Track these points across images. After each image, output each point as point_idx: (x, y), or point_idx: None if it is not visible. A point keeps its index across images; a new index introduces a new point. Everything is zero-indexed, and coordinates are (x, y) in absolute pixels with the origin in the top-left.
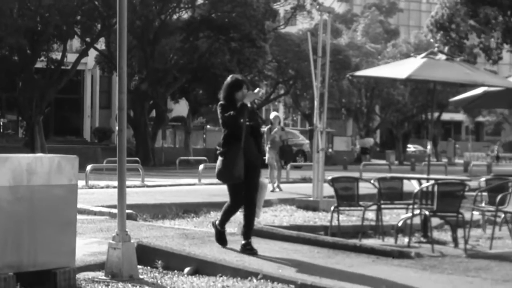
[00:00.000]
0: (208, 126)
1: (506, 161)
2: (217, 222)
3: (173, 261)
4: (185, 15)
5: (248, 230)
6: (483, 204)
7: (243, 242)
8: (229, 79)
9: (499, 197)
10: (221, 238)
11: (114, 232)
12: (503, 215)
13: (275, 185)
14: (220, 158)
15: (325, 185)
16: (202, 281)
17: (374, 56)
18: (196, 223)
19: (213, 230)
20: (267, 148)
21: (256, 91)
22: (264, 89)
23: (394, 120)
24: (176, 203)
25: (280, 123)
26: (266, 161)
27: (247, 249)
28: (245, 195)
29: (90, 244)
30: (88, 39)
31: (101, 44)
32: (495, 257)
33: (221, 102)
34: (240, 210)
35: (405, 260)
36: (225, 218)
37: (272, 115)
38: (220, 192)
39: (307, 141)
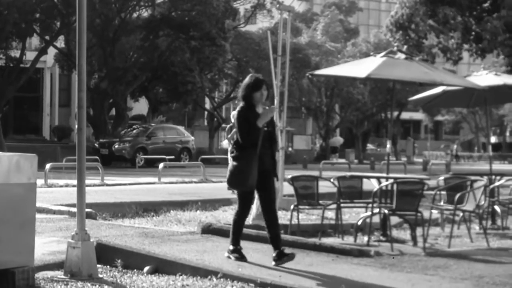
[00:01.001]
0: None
1: (465, 160)
2: (230, 247)
3: (133, 260)
4: (145, 13)
5: (276, 239)
6: (441, 203)
7: (275, 253)
8: (248, 78)
9: (457, 196)
10: (240, 255)
11: (74, 231)
12: (461, 214)
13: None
14: (233, 163)
15: (285, 184)
16: (162, 280)
17: (334, 55)
18: (156, 222)
19: (173, 229)
20: (229, 148)
21: (271, 107)
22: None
23: (353, 119)
24: (136, 202)
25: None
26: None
27: (284, 255)
28: (263, 207)
29: (49, 243)
30: (47, 37)
31: (60, 42)
32: (454, 256)
33: (239, 107)
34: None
35: (364, 258)
36: (236, 232)
37: (233, 113)
38: (179, 191)
39: (192, 138)
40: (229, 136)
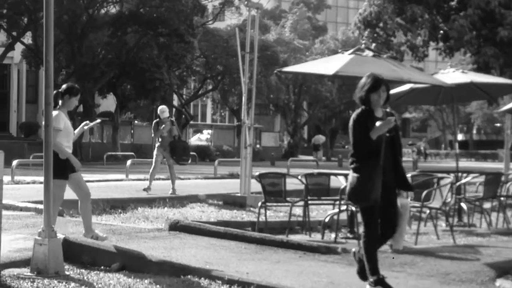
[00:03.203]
0: (135, 122)
1: (432, 158)
2: (370, 278)
3: (100, 257)
4: (113, 9)
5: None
6: (408, 200)
7: (371, 280)
8: (364, 78)
9: (424, 193)
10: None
11: (40, 228)
12: (428, 211)
13: (151, 185)
14: (353, 175)
15: (252, 181)
16: (129, 277)
17: (302, 52)
18: (123, 219)
19: (141, 226)
20: (156, 144)
21: (389, 119)
22: (192, 85)
23: (321, 116)
24: (103, 199)
25: (170, 116)
26: (153, 159)
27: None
28: (382, 225)
29: (15, 240)
30: (14, 33)
31: (28, 38)
32: (420, 253)
33: (355, 113)
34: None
35: (332, 255)
36: (371, 258)
37: (160, 108)
38: None
39: None
40: (156, 132)
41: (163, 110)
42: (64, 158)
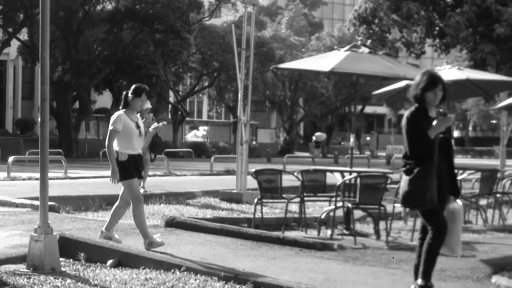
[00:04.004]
0: None
1: None
2: (418, 281)
3: (96, 254)
4: (109, 6)
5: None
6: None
7: (419, 283)
8: (419, 76)
9: None
10: None
11: (36, 224)
12: None
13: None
14: (406, 177)
15: (248, 178)
16: (125, 273)
17: (298, 49)
18: None
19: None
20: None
21: (448, 117)
22: (188, 81)
23: (317, 113)
24: (99, 195)
25: (152, 113)
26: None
27: None
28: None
29: (11, 236)
30: (10, 29)
31: (23, 35)
32: None
33: (409, 110)
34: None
35: (327, 252)
36: (431, 260)
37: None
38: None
39: None
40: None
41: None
42: (111, 161)
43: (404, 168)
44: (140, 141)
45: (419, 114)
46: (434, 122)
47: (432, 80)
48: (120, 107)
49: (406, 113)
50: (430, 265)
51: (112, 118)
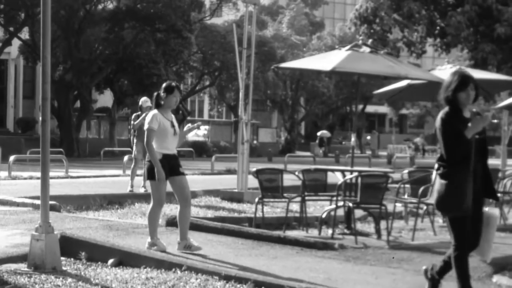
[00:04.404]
0: None
1: (429, 154)
2: (430, 270)
3: (97, 253)
4: (110, 5)
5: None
6: (405, 196)
7: None
8: (450, 77)
9: (421, 189)
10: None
11: (37, 223)
12: (425, 207)
13: (136, 183)
14: (442, 181)
15: (249, 177)
16: (126, 272)
17: (299, 48)
18: (120, 214)
19: (138, 222)
20: (134, 139)
21: (485, 115)
22: (189, 80)
23: (318, 112)
24: (100, 195)
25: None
26: (133, 155)
27: None
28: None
29: (12, 235)
30: (11, 29)
31: (25, 34)
32: (417, 248)
33: (442, 112)
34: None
35: (328, 251)
36: (463, 274)
37: (144, 98)
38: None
39: None
40: (135, 122)
41: (146, 100)
42: (153, 160)
43: (439, 171)
44: (175, 141)
45: (453, 115)
46: (470, 123)
47: (463, 79)
48: (152, 108)
49: (440, 114)
50: (464, 279)
51: (148, 118)
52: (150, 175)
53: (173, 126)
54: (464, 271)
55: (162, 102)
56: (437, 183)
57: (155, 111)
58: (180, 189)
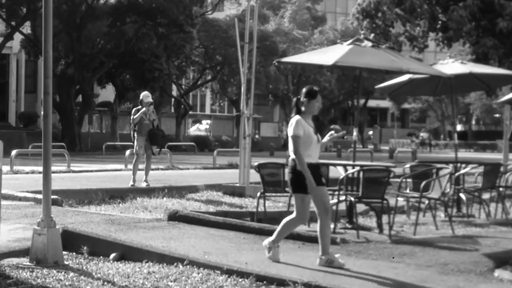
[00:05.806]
0: None
1: (435, 148)
2: None
3: (99, 247)
4: None
5: None
6: (407, 191)
7: None
8: None
9: (423, 183)
10: None
11: (39, 217)
12: (427, 201)
13: (138, 177)
14: None
15: (251, 171)
16: (128, 266)
17: (301, 43)
18: (122, 209)
19: (140, 216)
20: (134, 134)
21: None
22: (191, 75)
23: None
24: (102, 189)
25: (152, 103)
26: (134, 151)
27: None
28: None
29: (14, 230)
30: (13, 23)
31: (26, 28)
32: (419, 243)
33: None
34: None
35: (330, 246)
36: None
37: (144, 93)
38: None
39: None
40: (134, 117)
41: (147, 94)
42: (303, 170)
43: None
44: (318, 148)
45: None
46: None
47: None
48: (292, 115)
49: None
50: None
51: (291, 125)
52: (297, 187)
53: (316, 133)
54: None
55: (303, 108)
56: None
57: (297, 117)
58: (322, 199)
